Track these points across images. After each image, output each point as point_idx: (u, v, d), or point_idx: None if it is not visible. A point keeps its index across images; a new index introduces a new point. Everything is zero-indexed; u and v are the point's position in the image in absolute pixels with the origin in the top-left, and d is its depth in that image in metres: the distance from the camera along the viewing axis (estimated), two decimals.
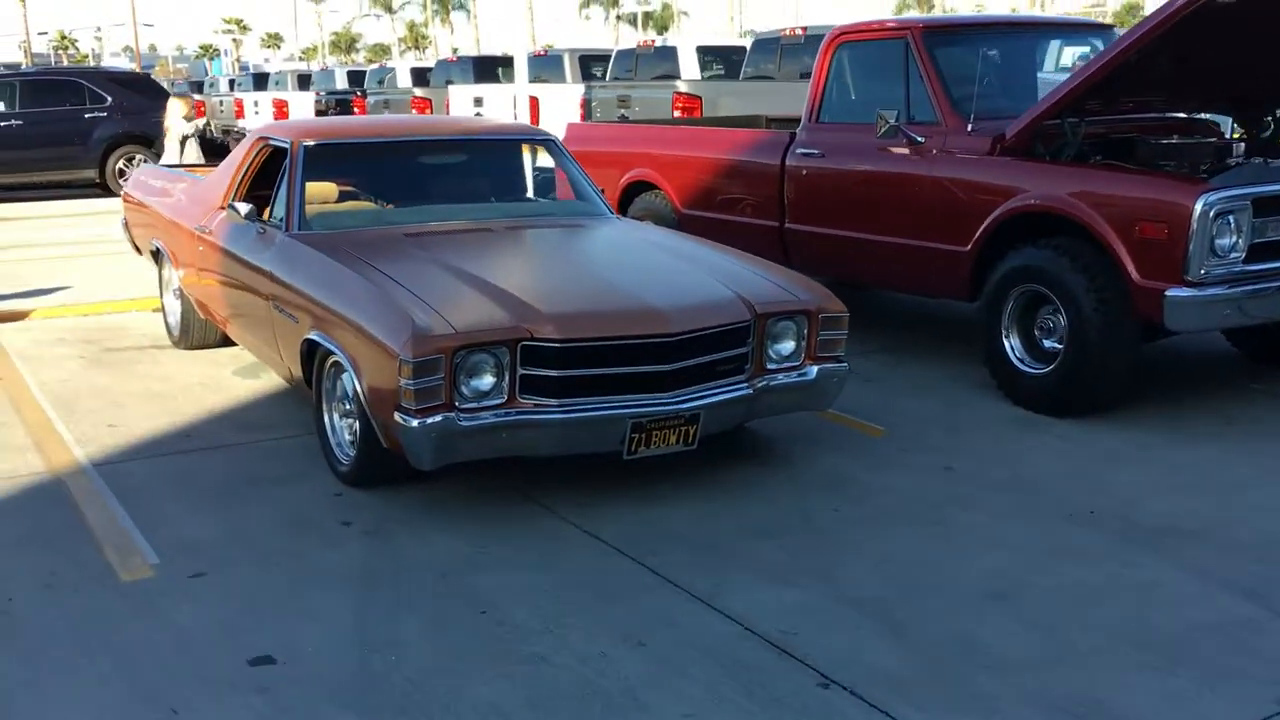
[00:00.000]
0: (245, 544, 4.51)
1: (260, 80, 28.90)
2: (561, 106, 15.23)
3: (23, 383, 6.82)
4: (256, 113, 23.00)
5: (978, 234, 6.30)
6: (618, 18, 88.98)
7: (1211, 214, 5.37)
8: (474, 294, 4.84)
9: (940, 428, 5.91)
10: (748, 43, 20.12)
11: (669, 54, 16.78)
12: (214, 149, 23.09)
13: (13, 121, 16.71)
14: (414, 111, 19.27)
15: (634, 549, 4.43)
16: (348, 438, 5.16)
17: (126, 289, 9.32)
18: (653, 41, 18.70)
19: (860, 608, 3.95)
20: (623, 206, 8.76)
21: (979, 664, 3.58)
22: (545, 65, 18.92)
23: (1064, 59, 10.93)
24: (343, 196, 6.33)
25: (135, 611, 3.95)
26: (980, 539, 4.52)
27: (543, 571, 4.26)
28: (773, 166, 7.63)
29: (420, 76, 24.81)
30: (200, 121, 12.05)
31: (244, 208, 6.00)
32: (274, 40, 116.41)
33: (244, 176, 6.51)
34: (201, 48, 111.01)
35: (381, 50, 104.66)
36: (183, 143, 10.88)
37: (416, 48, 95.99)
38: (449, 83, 21.95)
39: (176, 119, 11.35)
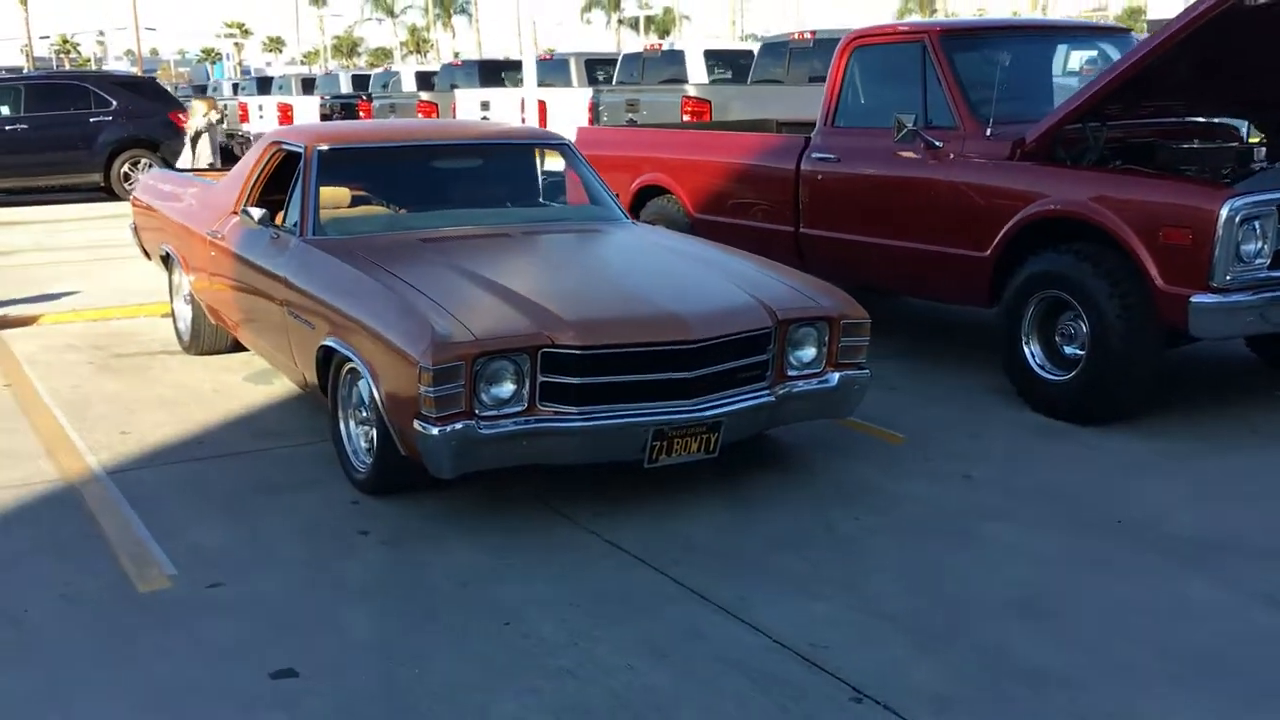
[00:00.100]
0: (263, 553, 4.45)
1: (264, 84, 28.85)
2: (569, 110, 15.18)
3: (33, 389, 6.76)
4: (261, 117, 22.95)
5: (997, 239, 6.24)
6: (619, 22, 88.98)
7: (1237, 219, 5.31)
8: (493, 300, 4.79)
9: (960, 435, 5.85)
10: (752, 46, 20.10)
11: (676, 58, 16.72)
12: (222, 153, 23.08)
13: (18, 125, 16.66)
14: (420, 115, 19.21)
15: (656, 559, 4.37)
16: (363, 445, 5.10)
17: (135, 294, 9.27)
18: (660, 45, 18.64)
19: (890, 620, 3.89)
20: (634, 211, 8.69)
21: (1016, 679, 3.51)
22: (551, 69, 18.87)
23: (1071, 63, 10.89)
24: (355, 201, 6.27)
25: (154, 623, 3.89)
26: (1008, 550, 4.46)
27: (565, 582, 4.20)
28: (788, 171, 7.57)
29: (425, 80, 24.76)
30: (214, 115, 11.87)
31: (257, 212, 5.95)
32: (275, 44, 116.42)
33: (256, 181, 6.46)
34: (203, 51, 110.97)
35: (383, 54, 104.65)
36: (195, 139, 10.70)
37: (418, 52, 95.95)
38: (453, 86, 21.91)
39: (198, 118, 11.16)
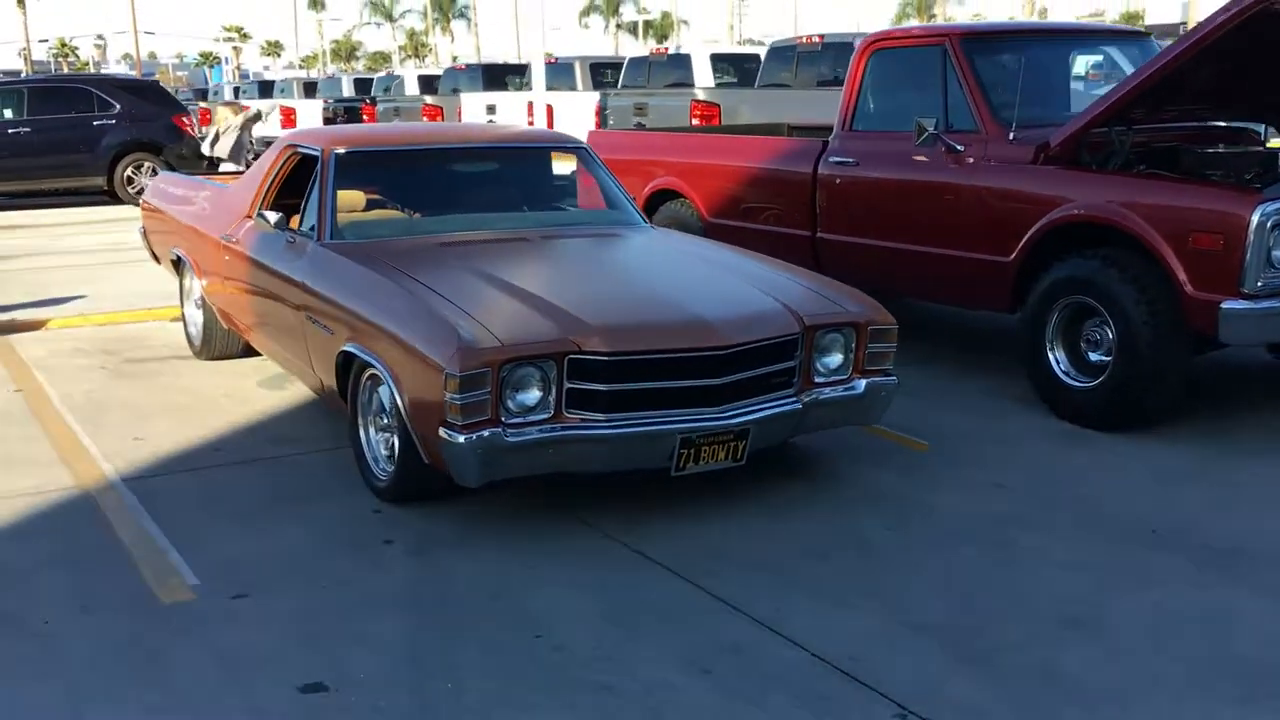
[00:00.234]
0: (286, 564, 4.37)
1: (265, 88, 28.76)
2: (575, 114, 15.11)
3: (44, 395, 6.68)
4: (264, 121, 22.83)
5: (1021, 244, 6.17)
6: (618, 26, 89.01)
7: (1269, 225, 5.24)
8: (518, 305, 4.71)
9: (985, 442, 5.78)
10: (756, 50, 20.04)
11: (682, 62, 16.65)
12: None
13: (21, 129, 16.57)
14: (425, 119, 19.13)
15: (687, 569, 4.29)
16: (384, 452, 5.02)
17: (142, 298, 9.19)
18: (666, 49, 18.58)
19: (930, 633, 3.81)
20: (646, 215, 8.61)
21: (1064, 695, 3.44)
22: (556, 73, 18.79)
23: (1077, 67, 10.82)
24: (369, 205, 6.20)
25: (178, 635, 3.80)
26: (1046, 560, 4.38)
27: (595, 593, 4.12)
28: (804, 175, 7.50)
29: (427, 84, 24.68)
30: (250, 113, 11.66)
31: (273, 216, 5.88)
32: (274, 48, 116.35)
33: (271, 184, 6.38)
34: (201, 55, 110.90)
35: (382, 58, 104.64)
36: (220, 134, 10.46)
37: (416, 56, 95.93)
38: (455, 90, 21.84)
39: (228, 121, 10.92)
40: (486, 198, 6.29)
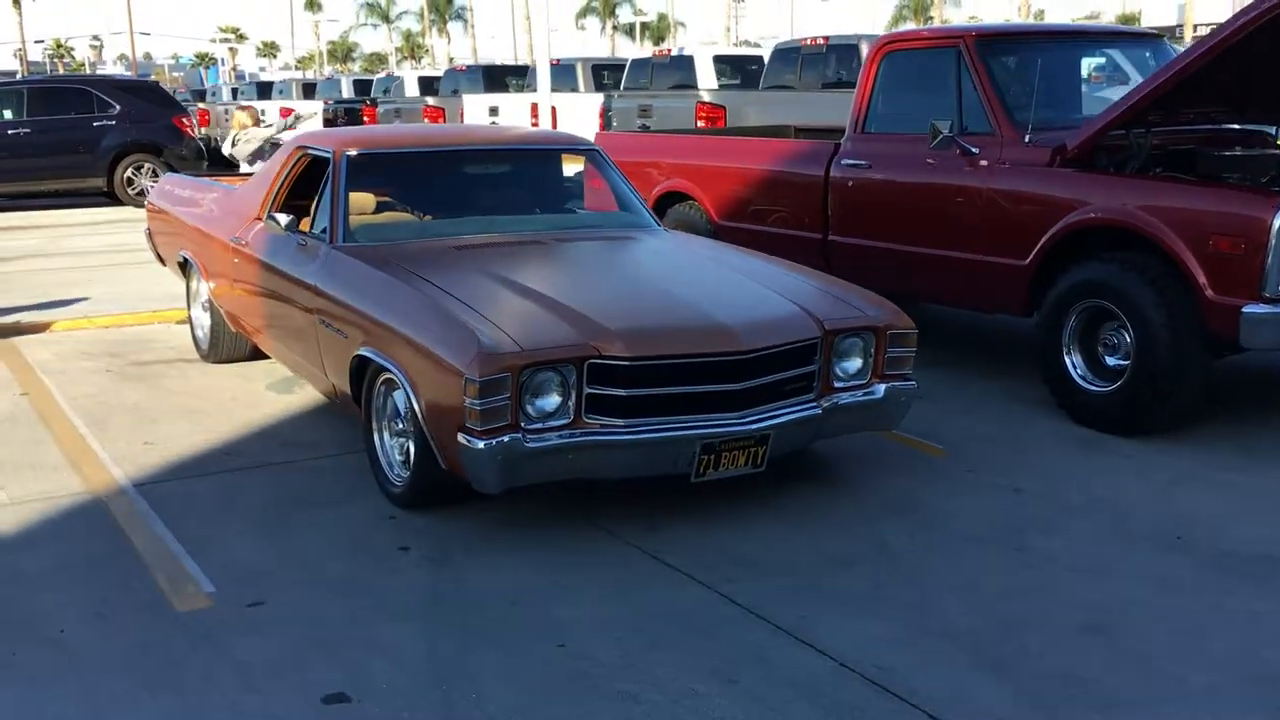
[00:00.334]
0: (302, 571, 4.32)
1: (264, 89, 28.68)
2: (579, 116, 15.07)
3: (51, 398, 6.62)
4: (264, 122, 22.76)
5: (1038, 248, 6.12)
6: (614, 28, 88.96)
7: None
8: (536, 310, 4.66)
9: (1002, 447, 5.73)
10: (755, 52, 19.99)
11: (685, 63, 16.60)
12: (218, 157, 22.86)
13: (20, 129, 16.50)
14: (426, 121, 19.07)
15: (708, 576, 4.24)
16: (398, 458, 4.97)
17: (145, 300, 9.15)
18: (669, 50, 18.53)
19: (956, 641, 3.76)
20: None
21: (1092, 704, 3.39)
22: (558, 75, 18.69)
23: (1089, 70, 10.79)
24: (379, 207, 6.15)
25: (195, 644, 3.75)
26: (1067, 567, 4.34)
27: (616, 601, 4.07)
28: (816, 177, 7.46)
29: (427, 85, 24.62)
30: (282, 121, 11.45)
31: (284, 218, 5.83)
32: (270, 49, 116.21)
33: (281, 187, 6.32)
34: (197, 56, 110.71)
35: (378, 59, 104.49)
36: (238, 140, 10.29)
37: (413, 57, 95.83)
38: (455, 92, 21.78)
39: (248, 131, 10.69)
40: (499, 200, 6.23)
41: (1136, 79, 7.49)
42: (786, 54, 14.63)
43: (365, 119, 21.45)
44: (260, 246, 6.15)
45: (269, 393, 6.73)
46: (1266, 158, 6.35)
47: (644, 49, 79.37)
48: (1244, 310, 5.29)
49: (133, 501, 5.02)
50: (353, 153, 5.84)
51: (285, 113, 21.37)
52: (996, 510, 4.92)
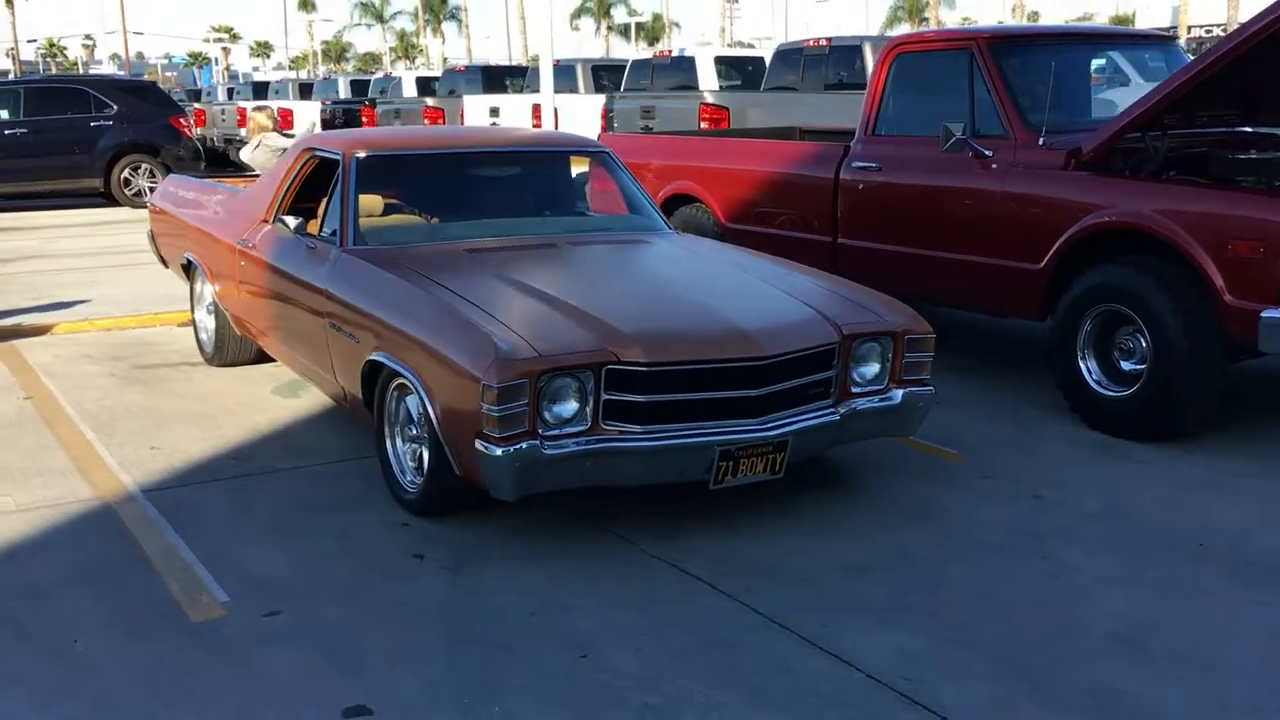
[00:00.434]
0: (317, 580, 4.26)
1: (260, 89, 28.56)
2: (580, 117, 15.02)
3: (56, 402, 6.55)
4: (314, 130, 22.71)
5: (1052, 251, 6.08)
6: (609, 28, 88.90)
7: None
8: (553, 314, 4.60)
9: (1019, 453, 5.69)
10: (752, 53, 19.94)
11: (686, 64, 16.54)
12: (215, 158, 22.73)
13: (17, 130, 16.40)
14: (426, 122, 18.99)
15: (727, 585, 4.19)
16: (411, 464, 4.91)
17: (146, 302, 9.08)
18: (669, 51, 18.47)
19: (985, 653, 3.71)
20: None
21: (1125, 717, 3.34)
22: (557, 76, 18.60)
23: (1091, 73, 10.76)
24: (386, 210, 6.09)
25: (213, 656, 3.69)
26: (1092, 576, 4.29)
27: (636, 610, 4.01)
28: (825, 180, 7.41)
29: (425, 86, 24.53)
30: (308, 128, 11.14)
31: (293, 221, 5.77)
32: (263, 49, 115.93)
33: (289, 189, 6.26)
34: (190, 56, 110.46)
35: (372, 59, 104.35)
36: (261, 146, 10.13)
37: (407, 57, 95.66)
38: (452, 93, 21.70)
39: (265, 135, 10.51)
40: (510, 202, 6.18)
41: (1137, 80, 7.46)
42: (788, 55, 14.58)
43: (364, 120, 21.36)
44: (268, 249, 6.08)
45: (275, 397, 6.67)
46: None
47: (638, 50, 79.33)
48: (1263, 315, 5.25)
49: (142, 508, 4.95)
50: (362, 154, 5.78)
51: (284, 113, 21.30)
52: (1016, 518, 4.87)
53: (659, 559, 4.43)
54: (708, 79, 15.98)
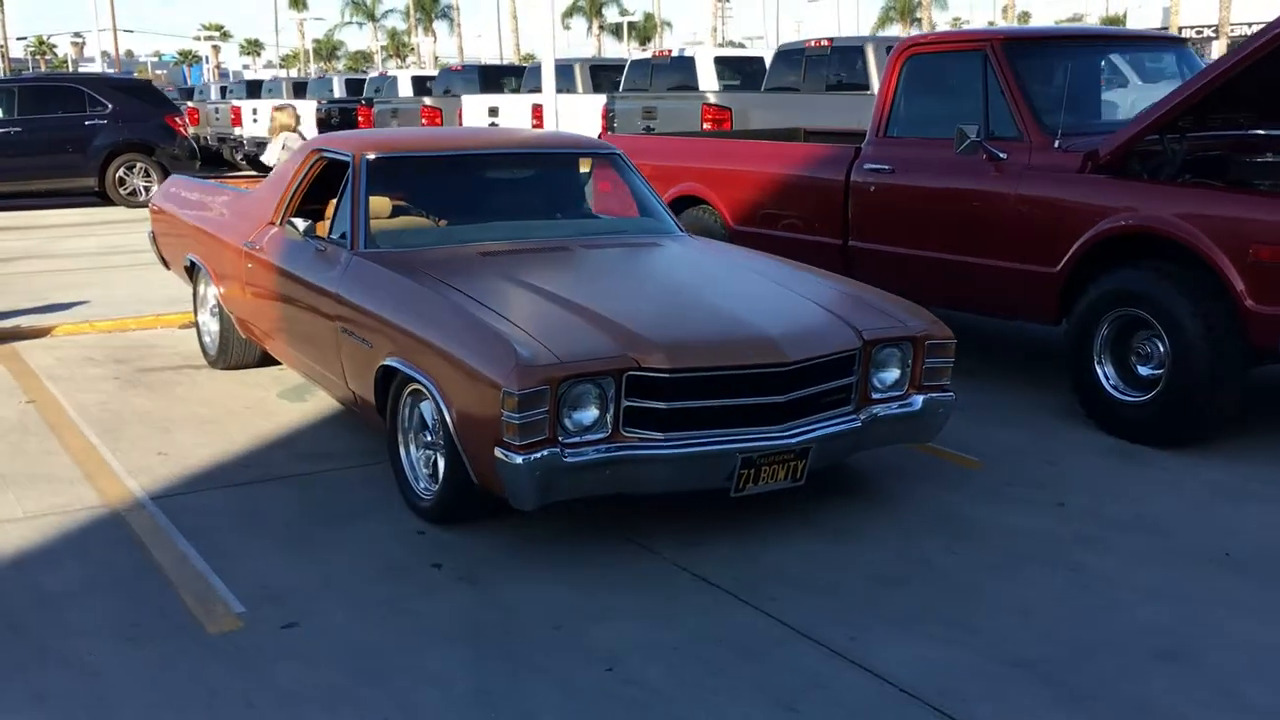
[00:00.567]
0: (334, 590, 4.17)
1: (253, 88, 28.39)
2: (579, 117, 14.93)
3: (59, 406, 6.45)
4: (255, 120, 22.54)
5: (1069, 255, 6.02)
6: (600, 28, 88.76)
7: None
8: (572, 320, 4.53)
9: (1038, 459, 5.62)
10: (753, 53, 19.88)
11: (686, 64, 16.46)
12: (209, 157, 22.57)
13: (11, 129, 16.28)
14: (424, 122, 18.87)
15: (752, 595, 4.12)
16: (425, 471, 4.83)
17: (147, 303, 8.99)
18: (668, 51, 18.37)
19: (1021, 666, 3.64)
20: None
21: None
22: (556, 75, 18.55)
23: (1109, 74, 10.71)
24: (395, 212, 6.00)
25: (231, 669, 3.60)
26: (1125, 586, 4.22)
27: (661, 622, 3.94)
28: (836, 182, 7.34)
29: (421, 85, 24.39)
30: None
31: (302, 224, 5.69)
32: (254, 47, 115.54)
33: (297, 191, 6.18)
34: (180, 54, 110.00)
35: (363, 58, 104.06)
36: (288, 146, 9.95)
37: (398, 56, 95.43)
38: (448, 92, 21.57)
39: (285, 136, 10.31)
40: (522, 205, 6.09)
41: (1136, 82, 7.42)
42: (789, 55, 14.51)
43: (361, 120, 21.22)
44: (275, 252, 6.00)
45: (281, 401, 6.58)
46: None
47: (630, 49, 79.25)
48: None
49: (152, 515, 4.87)
50: (373, 156, 5.70)
51: (291, 113, 21.12)
52: (1040, 525, 4.81)
53: (681, 569, 4.35)
54: (707, 79, 15.91)
